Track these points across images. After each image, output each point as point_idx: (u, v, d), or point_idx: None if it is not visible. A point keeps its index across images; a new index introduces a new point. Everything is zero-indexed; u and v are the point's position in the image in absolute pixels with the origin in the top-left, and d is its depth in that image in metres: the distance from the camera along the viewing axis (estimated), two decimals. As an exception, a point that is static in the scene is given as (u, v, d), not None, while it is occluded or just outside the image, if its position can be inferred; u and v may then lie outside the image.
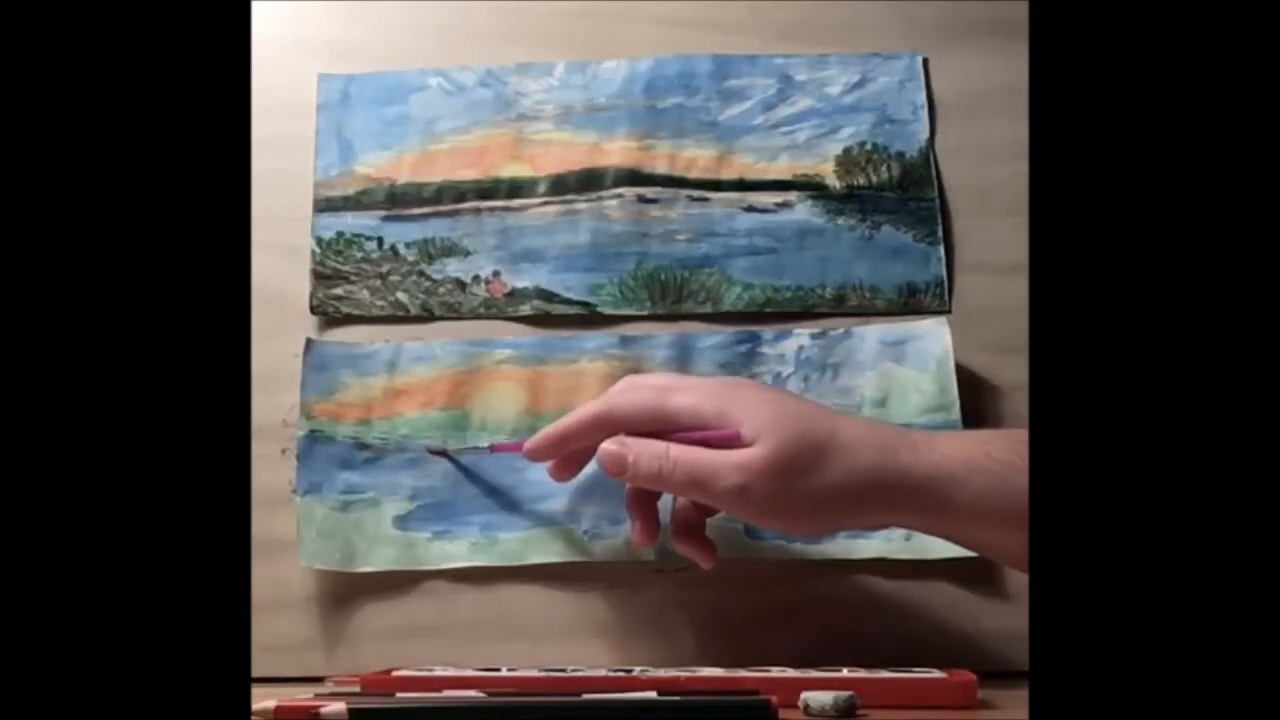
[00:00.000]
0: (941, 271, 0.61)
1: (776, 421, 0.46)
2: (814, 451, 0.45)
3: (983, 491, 0.44)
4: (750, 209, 0.62)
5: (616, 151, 0.62)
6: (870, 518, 0.48)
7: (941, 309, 0.60)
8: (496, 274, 0.61)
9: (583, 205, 0.62)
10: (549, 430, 0.52)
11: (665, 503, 0.53)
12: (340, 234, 0.62)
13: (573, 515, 0.57)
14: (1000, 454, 0.45)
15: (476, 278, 0.61)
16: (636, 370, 0.59)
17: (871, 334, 0.59)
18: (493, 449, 0.56)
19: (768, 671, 0.47)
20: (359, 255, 0.61)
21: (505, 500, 0.58)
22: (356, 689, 0.46)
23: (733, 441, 0.46)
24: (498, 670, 0.49)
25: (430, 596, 0.57)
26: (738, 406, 0.47)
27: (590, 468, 0.56)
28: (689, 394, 0.48)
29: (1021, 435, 0.45)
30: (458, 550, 0.57)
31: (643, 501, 0.53)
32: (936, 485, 0.45)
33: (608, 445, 0.49)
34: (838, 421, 0.47)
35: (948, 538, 0.49)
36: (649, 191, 0.62)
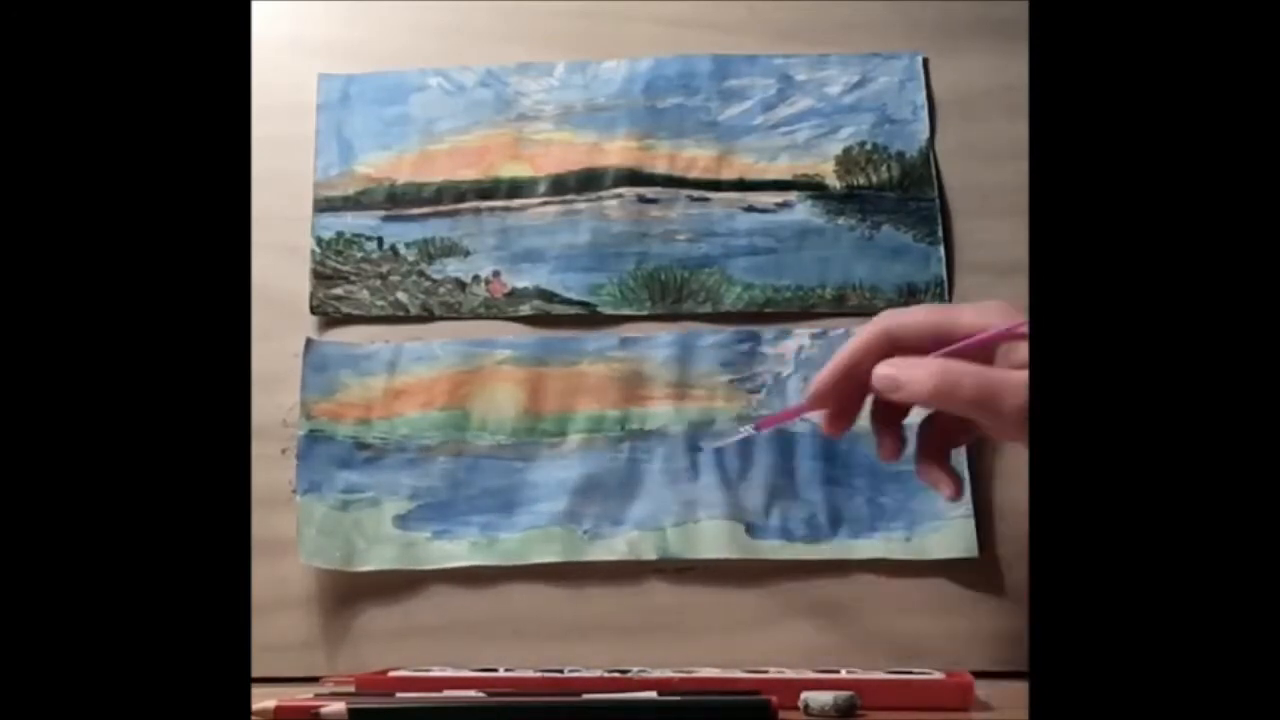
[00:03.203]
0: (941, 271, 0.61)
1: None
2: None
3: None
4: (750, 209, 0.62)
5: (616, 151, 0.62)
6: None
7: (941, 309, 0.60)
8: (496, 274, 0.61)
9: (583, 205, 0.62)
10: (831, 364, 0.46)
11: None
12: (340, 234, 0.62)
13: (573, 515, 0.57)
14: None
15: (476, 278, 0.61)
16: (637, 372, 0.59)
17: (871, 334, 0.59)
18: (758, 427, 0.50)
19: (767, 671, 0.47)
20: (359, 255, 0.61)
21: (505, 500, 0.58)
22: (352, 689, 0.46)
23: (1020, 340, 0.42)
24: (494, 670, 0.49)
25: (430, 596, 0.57)
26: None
27: (585, 468, 0.56)
28: (972, 310, 0.44)
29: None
30: (458, 550, 0.57)
31: (890, 417, 0.48)
32: None
33: (882, 368, 0.44)
34: None
35: None
36: (649, 191, 0.62)
